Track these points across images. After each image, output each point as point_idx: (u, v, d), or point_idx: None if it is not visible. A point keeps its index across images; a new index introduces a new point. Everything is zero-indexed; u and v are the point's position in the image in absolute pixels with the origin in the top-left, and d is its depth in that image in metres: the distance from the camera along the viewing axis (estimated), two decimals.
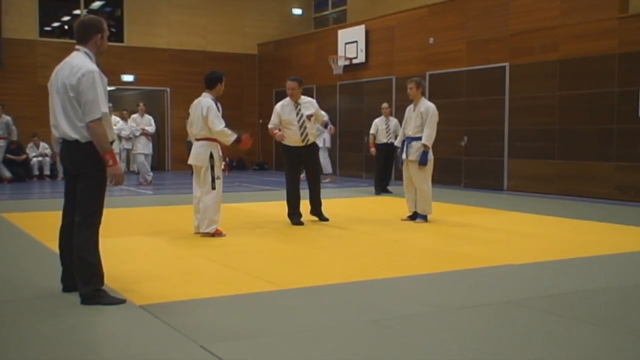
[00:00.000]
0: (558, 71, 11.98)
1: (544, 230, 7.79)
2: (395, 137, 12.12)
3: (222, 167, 7.17)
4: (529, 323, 3.98)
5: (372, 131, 12.41)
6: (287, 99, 8.18)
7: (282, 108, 8.15)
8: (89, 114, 4.22)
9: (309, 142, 8.14)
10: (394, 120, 12.39)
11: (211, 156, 7.01)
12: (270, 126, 8.23)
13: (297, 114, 8.07)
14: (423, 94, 8.43)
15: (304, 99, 8.22)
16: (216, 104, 7.05)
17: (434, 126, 8.21)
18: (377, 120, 12.46)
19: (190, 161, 7.19)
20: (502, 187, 12.99)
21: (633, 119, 10.85)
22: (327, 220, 8.37)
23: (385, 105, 12.56)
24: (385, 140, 12.27)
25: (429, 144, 8.17)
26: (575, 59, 11.70)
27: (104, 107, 4.29)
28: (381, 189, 12.30)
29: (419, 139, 8.20)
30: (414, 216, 8.40)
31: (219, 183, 7.04)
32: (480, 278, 5.21)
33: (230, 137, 7.01)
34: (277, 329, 3.83)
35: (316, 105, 8.30)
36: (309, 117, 8.09)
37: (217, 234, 7.02)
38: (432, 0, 14.79)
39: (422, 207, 8.29)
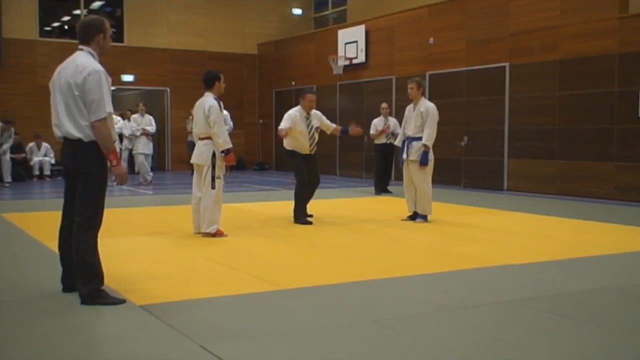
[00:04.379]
0: (558, 71, 11.98)
1: (544, 230, 7.79)
2: (395, 137, 12.15)
3: (224, 167, 7.16)
4: (529, 323, 3.99)
5: (372, 131, 12.40)
6: (299, 108, 8.37)
7: (296, 117, 8.31)
8: (95, 113, 4.23)
9: (313, 152, 8.42)
10: (392, 120, 12.38)
11: (213, 155, 7.01)
12: (282, 126, 8.23)
13: (308, 126, 8.33)
14: (423, 94, 8.45)
15: (314, 112, 8.45)
16: (218, 103, 7.06)
17: (434, 126, 8.22)
18: (375, 121, 12.45)
19: (192, 160, 7.21)
20: (502, 187, 12.99)
21: (633, 119, 10.85)
22: (310, 216, 8.51)
23: (384, 105, 12.55)
24: (384, 141, 12.27)
25: (430, 144, 8.18)
26: (575, 59, 11.71)
27: (109, 106, 4.30)
28: (381, 189, 12.30)
29: (420, 139, 8.21)
30: (414, 216, 8.40)
31: (218, 182, 7.04)
32: (480, 278, 5.21)
33: (224, 143, 6.97)
34: (277, 329, 3.83)
35: (320, 115, 8.56)
36: (317, 129, 8.43)
37: (218, 234, 7.01)
38: (432, 0, 14.79)
39: (422, 207, 8.29)
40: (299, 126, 8.26)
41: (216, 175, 7.01)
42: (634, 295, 4.75)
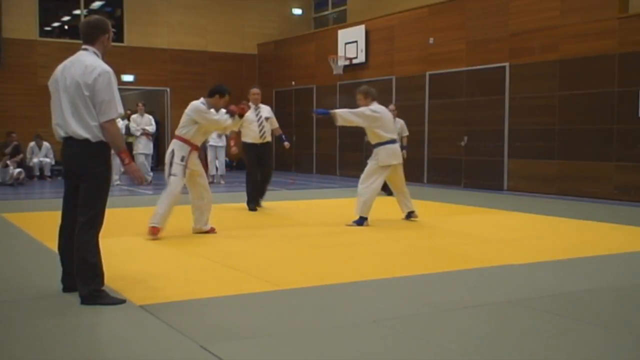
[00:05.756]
0: (558, 71, 11.98)
1: (544, 230, 7.79)
2: (400, 139, 12.06)
3: (183, 166, 7.04)
4: (529, 323, 3.99)
5: None
6: (249, 103, 9.45)
7: None
8: (105, 113, 4.24)
9: (265, 140, 9.55)
10: (399, 122, 12.13)
11: (172, 154, 7.04)
12: None
13: (257, 115, 9.51)
14: (373, 100, 8.12)
15: (262, 105, 9.73)
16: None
17: (357, 114, 7.95)
18: None
19: None
20: (502, 187, 12.99)
21: (633, 119, 10.85)
22: (260, 206, 9.68)
23: (391, 106, 12.34)
24: None
25: (335, 114, 7.92)
26: (575, 59, 11.70)
27: (120, 107, 4.32)
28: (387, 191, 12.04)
29: (378, 144, 8.05)
30: (409, 215, 8.38)
31: (173, 180, 6.99)
32: (480, 278, 5.21)
33: (227, 120, 7.24)
34: (277, 329, 3.83)
35: (270, 111, 9.82)
36: (267, 118, 9.62)
37: (153, 232, 6.91)
38: (432, 0, 14.79)
39: (357, 208, 8.00)
40: (248, 116, 9.09)
41: (170, 173, 7.02)
42: (634, 295, 4.76)
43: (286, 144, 9.96)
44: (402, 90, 15.29)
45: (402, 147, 12.01)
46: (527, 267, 5.59)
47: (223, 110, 7.28)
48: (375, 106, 8.10)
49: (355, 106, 8.25)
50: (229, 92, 7.31)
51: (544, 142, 12.23)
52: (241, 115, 7.31)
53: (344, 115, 7.98)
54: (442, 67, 14.28)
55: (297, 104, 18.56)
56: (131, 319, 4.04)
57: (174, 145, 7.11)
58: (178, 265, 5.73)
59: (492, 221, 8.56)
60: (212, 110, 7.17)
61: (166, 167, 7.15)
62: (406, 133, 12.21)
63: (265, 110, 9.68)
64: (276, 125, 9.88)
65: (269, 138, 9.64)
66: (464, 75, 13.81)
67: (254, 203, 9.60)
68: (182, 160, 7.01)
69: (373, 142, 8.17)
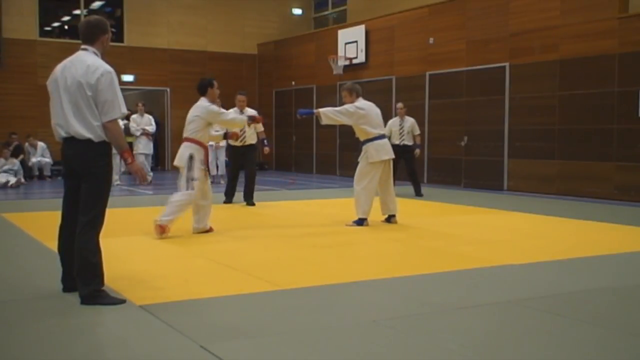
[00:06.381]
0: (558, 71, 11.98)
1: (544, 230, 7.79)
2: (410, 139, 11.92)
3: (204, 169, 7.13)
4: (529, 323, 3.99)
5: (385, 133, 12.16)
6: (235, 108, 9.97)
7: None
8: (108, 113, 4.25)
9: (245, 143, 10.19)
10: (409, 121, 11.91)
11: (190, 157, 7.06)
12: None
13: None
14: (358, 96, 8.06)
15: (248, 110, 10.03)
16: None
17: (341, 112, 7.89)
18: (390, 122, 11.82)
19: (175, 162, 7.34)
20: (502, 187, 12.99)
21: (633, 119, 10.85)
22: (254, 204, 10.07)
23: (400, 105, 12.14)
24: (397, 142, 11.48)
25: (319, 112, 7.87)
26: (575, 59, 11.71)
27: (123, 107, 4.33)
28: (416, 191, 11.78)
29: (365, 142, 7.97)
30: (389, 219, 8.23)
31: (195, 185, 7.03)
32: (480, 278, 5.21)
33: (243, 119, 7.78)
34: (277, 329, 3.83)
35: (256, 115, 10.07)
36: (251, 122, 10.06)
37: (161, 230, 6.91)
38: (432, 0, 14.79)
39: (356, 209, 7.98)
40: None
41: (192, 177, 7.03)
42: (634, 295, 4.76)
43: (266, 148, 10.63)
44: (402, 90, 15.30)
45: (415, 146, 11.98)
46: (527, 267, 5.59)
47: (232, 110, 7.65)
48: (361, 102, 8.01)
49: None
50: (213, 79, 7.50)
51: (544, 142, 12.23)
52: (253, 120, 8.06)
53: (328, 114, 7.90)
54: (442, 67, 14.28)
55: (297, 104, 18.53)
56: (131, 319, 4.04)
57: (191, 149, 7.10)
58: (178, 265, 5.73)
59: (492, 221, 8.56)
60: (225, 110, 7.58)
61: (184, 171, 7.08)
62: (417, 132, 11.98)
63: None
64: (261, 128, 10.35)
65: (250, 141, 10.20)
66: (464, 75, 13.81)
67: (231, 197, 10.45)
68: (201, 163, 7.13)
69: (361, 138, 8.09)
